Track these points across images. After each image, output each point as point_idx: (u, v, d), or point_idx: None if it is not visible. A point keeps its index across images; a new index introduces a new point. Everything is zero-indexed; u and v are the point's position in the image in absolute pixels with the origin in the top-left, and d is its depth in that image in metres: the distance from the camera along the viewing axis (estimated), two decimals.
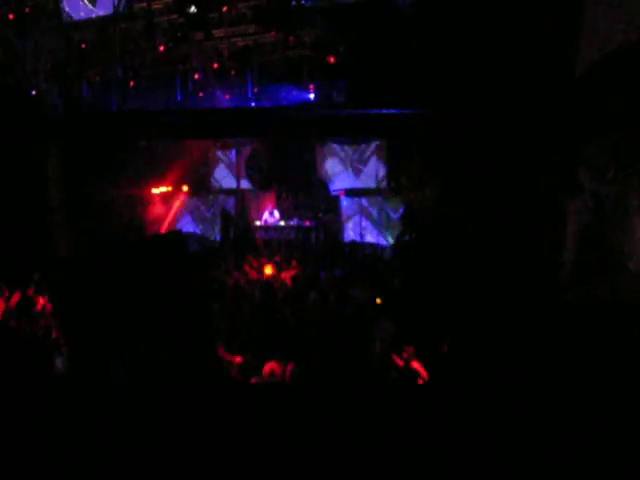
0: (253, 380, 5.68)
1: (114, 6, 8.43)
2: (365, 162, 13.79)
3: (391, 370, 5.85)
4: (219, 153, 15.27)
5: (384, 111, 6.60)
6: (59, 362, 6.02)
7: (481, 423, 3.68)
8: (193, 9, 8.55)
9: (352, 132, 11.87)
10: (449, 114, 4.92)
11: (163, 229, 14.58)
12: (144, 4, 8.82)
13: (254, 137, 13.67)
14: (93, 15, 8.51)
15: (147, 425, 4.29)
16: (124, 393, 4.88)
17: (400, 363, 5.78)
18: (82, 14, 8.59)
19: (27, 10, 9.14)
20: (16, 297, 7.47)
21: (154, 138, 12.50)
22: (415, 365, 5.75)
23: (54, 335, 6.83)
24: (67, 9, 8.57)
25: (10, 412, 4.09)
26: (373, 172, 13.67)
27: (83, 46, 9.31)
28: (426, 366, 5.67)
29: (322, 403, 4.54)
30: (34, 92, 9.93)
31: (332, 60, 9.35)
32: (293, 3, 8.35)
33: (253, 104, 11.68)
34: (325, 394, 4.94)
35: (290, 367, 5.92)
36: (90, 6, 8.57)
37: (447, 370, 5.43)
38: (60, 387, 5.29)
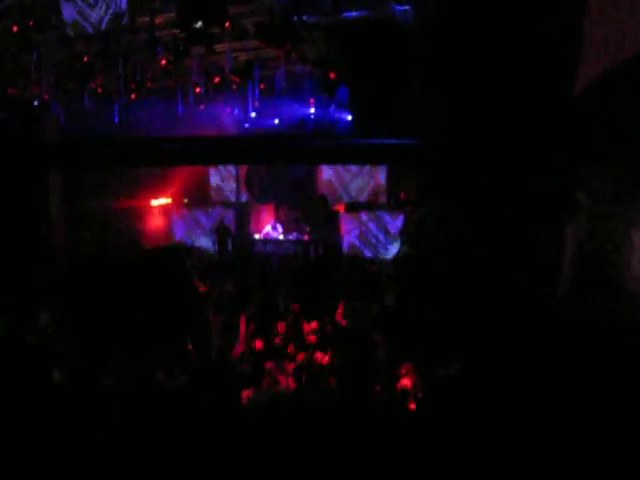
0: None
1: (117, 19, 8.47)
2: (364, 176, 13.83)
3: (391, 388, 5.82)
4: (219, 166, 15.30)
5: (388, 141, 6.62)
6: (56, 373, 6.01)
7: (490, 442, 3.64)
8: (199, 24, 8.58)
9: (355, 162, 11.93)
10: (452, 138, 4.94)
11: (162, 241, 14.56)
12: (147, 18, 8.86)
13: (254, 164, 13.74)
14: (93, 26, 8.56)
15: (145, 432, 4.28)
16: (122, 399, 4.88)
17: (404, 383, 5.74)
18: (84, 27, 8.63)
19: (30, 23, 9.19)
20: None
21: (158, 165, 12.54)
22: (407, 383, 5.71)
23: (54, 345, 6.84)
24: (69, 23, 8.60)
25: (12, 416, 4.08)
26: (372, 186, 13.70)
27: (86, 59, 9.36)
28: (424, 384, 5.63)
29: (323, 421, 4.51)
30: (37, 103, 9.99)
31: (333, 75, 9.41)
32: (295, 18, 8.39)
33: (253, 114, 11.73)
34: (326, 412, 4.91)
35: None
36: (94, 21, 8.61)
37: (450, 389, 5.39)
38: (61, 393, 5.28)
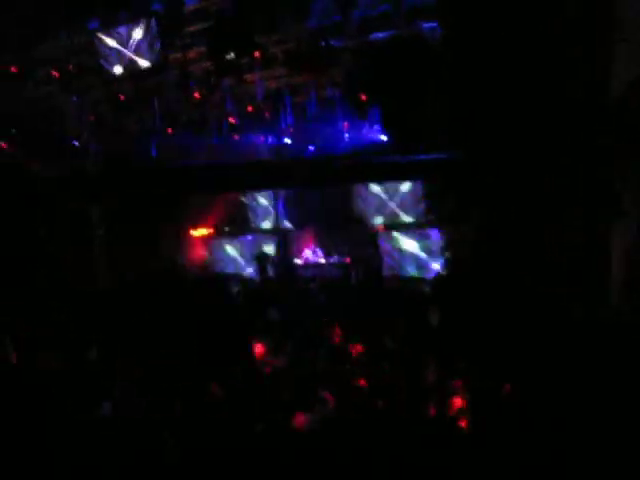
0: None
1: (150, 58, 8.75)
2: (402, 196, 13.71)
3: (443, 407, 5.69)
4: (258, 193, 15.46)
5: (419, 157, 6.65)
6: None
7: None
8: (231, 55, 8.75)
9: (389, 179, 11.98)
10: (484, 153, 4.88)
11: (205, 270, 14.75)
12: (179, 54, 9.11)
13: (295, 187, 13.91)
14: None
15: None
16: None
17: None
18: (120, 67, 8.95)
19: (70, 68, 9.61)
20: None
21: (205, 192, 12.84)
22: (458, 402, 5.56)
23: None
24: (106, 65, 8.95)
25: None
26: (411, 206, 13.56)
27: (122, 98, 9.69)
28: (475, 403, 5.47)
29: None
30: (77, 143, 10.37)
31: (363, 98, 9.42)
32: (322, 44, 8.48)
33: (288, 141, 11.81)
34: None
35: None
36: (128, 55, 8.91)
37: (501, 407, 5.20)
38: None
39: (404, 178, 12.57)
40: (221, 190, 13.38)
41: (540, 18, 4.70)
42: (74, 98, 10.06)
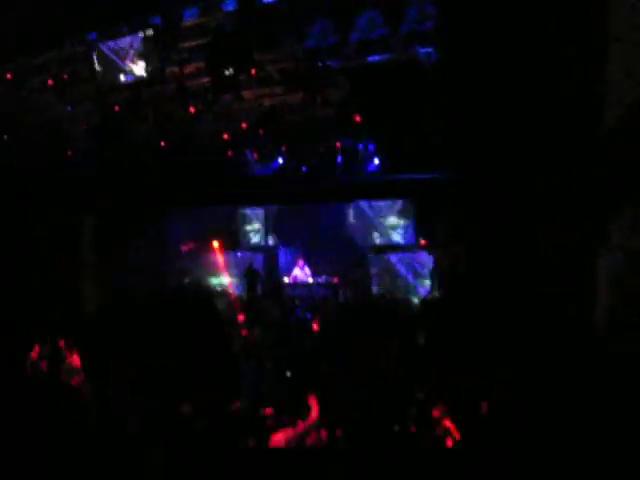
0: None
1: (147, 70, 8.76)
2: (392, 218, 13.78)
3: (426, 428, 5.66)
4: (247, 210, 15.44)
5: (409, 176, 6.71)
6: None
7: None
8: (230, 71, 8.78)
9: (380, 197, 12.05)
10: (477, 175, 4.91)
11: (192, 284, 14.65)
12: (176, 68, 9.13)
13: (285, 204, 13.95)
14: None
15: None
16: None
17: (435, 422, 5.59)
18: (116, 79, 8.95)
19: (65, 77, 9.60)
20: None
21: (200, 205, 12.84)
22: (447, 424, 5.54)
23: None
24: (102, 75, 8.94)
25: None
26: (401, 228, 13.62)
27: (117, 109, 9.68)
28: (459, 426, 5.45)
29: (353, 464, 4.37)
30: (69, 154, 10.33)
31: (358, 119, 9.49)
32: (319, 64, 8.55)
33: (280, 161, 11.85)
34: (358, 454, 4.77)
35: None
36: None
37: (484, 432, 5.19)
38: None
39: (396, 197, 12.64)
40: (211, 204, 13.37)
41: (537, 40, 4.76)
42: (69, 108, 10.03)
